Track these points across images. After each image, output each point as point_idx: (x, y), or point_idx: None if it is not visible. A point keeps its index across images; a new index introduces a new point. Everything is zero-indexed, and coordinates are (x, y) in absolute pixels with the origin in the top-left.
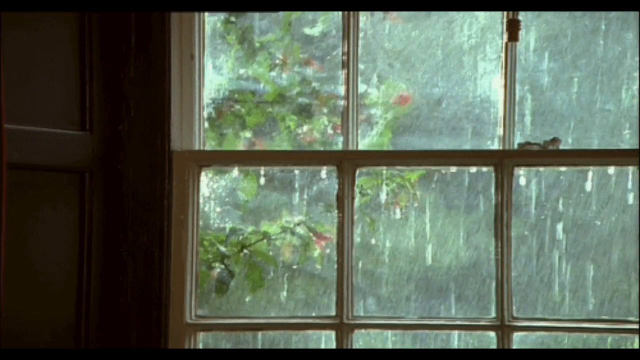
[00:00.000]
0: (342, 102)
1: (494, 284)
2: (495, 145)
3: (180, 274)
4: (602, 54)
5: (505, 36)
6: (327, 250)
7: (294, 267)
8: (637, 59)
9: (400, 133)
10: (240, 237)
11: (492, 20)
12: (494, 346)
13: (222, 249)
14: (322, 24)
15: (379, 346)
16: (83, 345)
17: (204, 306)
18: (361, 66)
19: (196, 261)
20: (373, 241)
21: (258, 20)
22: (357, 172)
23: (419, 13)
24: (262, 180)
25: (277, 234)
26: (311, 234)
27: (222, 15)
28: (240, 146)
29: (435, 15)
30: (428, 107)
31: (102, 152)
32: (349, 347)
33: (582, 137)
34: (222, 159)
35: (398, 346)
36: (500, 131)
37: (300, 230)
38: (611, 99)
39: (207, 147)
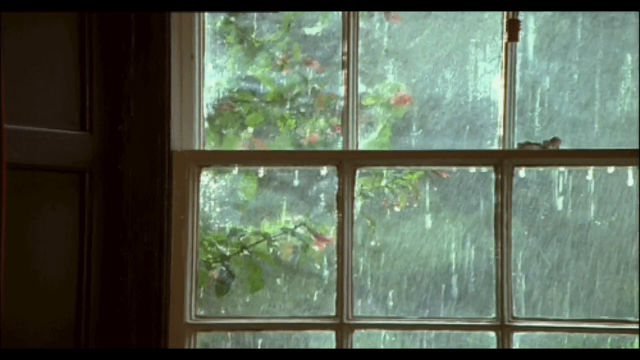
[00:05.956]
0: (342, 102)
1: (494, 284)
2: (495, 145)
3: (180, 274)
4: (601, 53)
5: (505, 36)
6: (327, 250)
7: (294, 267)
8: (637, 58)
9: (400, 133)
10: (241, 238)
11: (492, 20)
12: (494, 346)
13: (223, 249)
14: (322, 24)
15: (379, 346)
16: (83, 345)
17: (204, 307)
18: (361, 66)
19: (196, 261)
20: (373, 241)
21: (258, 20)
22: (357, 172)
23: (418, 13)
24: (262, 181)
25: (277, 235)
26: (311, 235)
27: (222, 15)
28: (240, 146)
29: (434, 15)
30: (428, 107)
31: (102, 152)
32: (349, 347)
33: (582, 137)
34: (222, 159)
35: (398, 346)
36: (500, 131)
37: (300, 231)
38: (611, 99)
39: (207, 147)
